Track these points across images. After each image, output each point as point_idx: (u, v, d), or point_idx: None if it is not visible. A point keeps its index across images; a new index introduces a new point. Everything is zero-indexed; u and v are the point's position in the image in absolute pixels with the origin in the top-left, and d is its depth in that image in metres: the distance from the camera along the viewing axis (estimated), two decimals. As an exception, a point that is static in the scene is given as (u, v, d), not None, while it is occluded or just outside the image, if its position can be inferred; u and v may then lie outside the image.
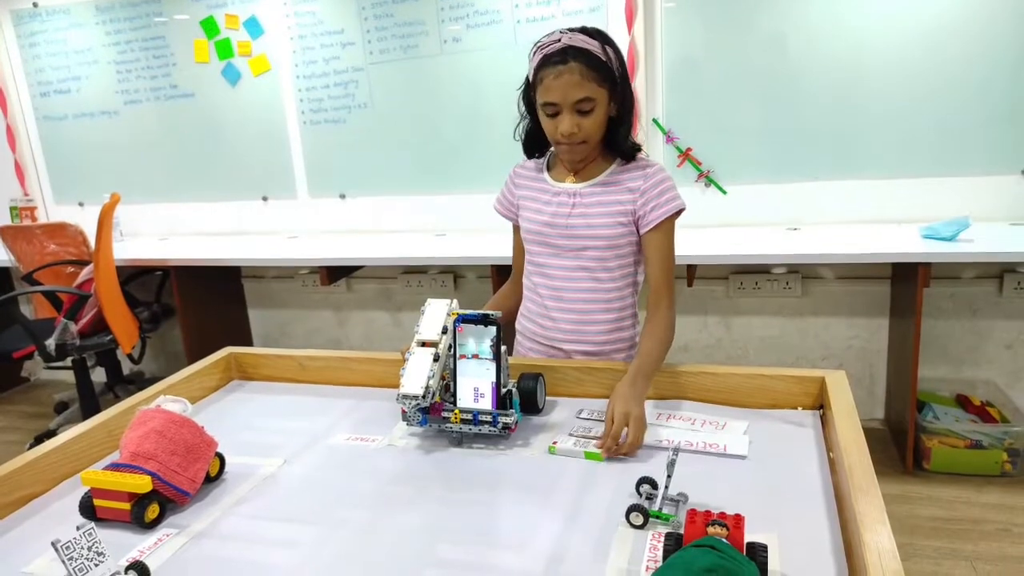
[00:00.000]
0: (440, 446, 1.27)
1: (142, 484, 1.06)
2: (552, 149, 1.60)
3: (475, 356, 1.25)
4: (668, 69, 2.92)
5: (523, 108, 1.55)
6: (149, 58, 3.59)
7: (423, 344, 1.29)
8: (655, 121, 2.98)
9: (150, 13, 3.52)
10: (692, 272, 2.75)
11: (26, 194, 3.97)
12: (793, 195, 2.91)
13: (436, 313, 1.32)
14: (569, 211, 1.54)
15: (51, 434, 3.31)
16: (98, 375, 3.73)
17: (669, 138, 2.97)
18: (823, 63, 2.76)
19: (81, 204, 3.92)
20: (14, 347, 2.97)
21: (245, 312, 3.82)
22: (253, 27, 3.39)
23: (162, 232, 3.84)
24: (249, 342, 3.82)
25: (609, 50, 1.42)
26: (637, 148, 1.54)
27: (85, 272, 3.03)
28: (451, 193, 3.29)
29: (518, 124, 1.58)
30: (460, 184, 3.22)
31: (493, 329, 1.24)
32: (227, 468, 1.22)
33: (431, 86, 3.23)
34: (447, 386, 1.30)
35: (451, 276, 3.41)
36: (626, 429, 1.20)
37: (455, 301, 1.34)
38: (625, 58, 1.49)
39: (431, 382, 1.23)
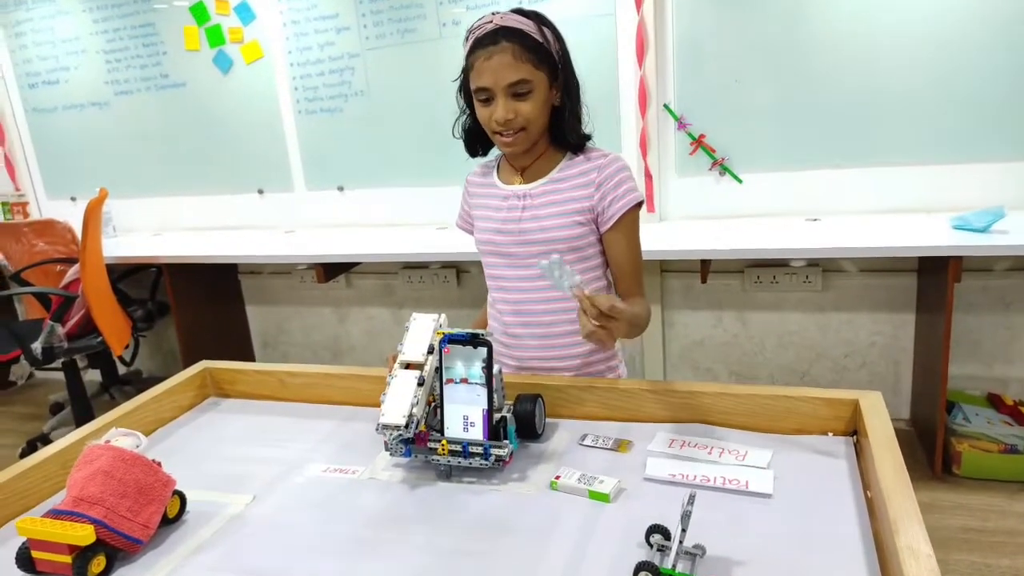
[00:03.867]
0: (427, 479, 1.14)
1: (84, 535, 0.93)
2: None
3: (464, 380, 1.12)
4: (679, 51, 2.75)
5: (461, 102, 1.43)
6: (138, 46, 3.45)
7: (407, 366, 1.16)
8: (666, 107, 2.81)
9: (138, 0, 3.38)
10: (706, 267, 2.60)
11: (17, 189, 3.86)
12: (813, 183, 2.74)
13: (421, 330, 1.19)
14: (520, 215, 1.41)
15: (45, 438, 3.21)
16: (95, 373, 3.64)
17: (681, 124, 2.81)
18: (844, 41, 2.58)
19: (73, 199, 3.81)
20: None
21: (243, 309, 3.71)
22: (244, 12, 3.24)
23: (156, 227, 3.72)
24: (247, 340, 3.71)
25: (547, 31, 1.31)
26: (586, 138, 1.42)
27: (72, 272, 2.91)
28: (453, 184, 3.11)
29: (456, 119, 1.45)
30: (462, 175, 3.02)
31: (483, 350, 1.11)
32: (189, 507, 1.10)
33: (430, 72, 3.08)
34: (435, 410, 1.16)
35: (454, 271, 3.28)
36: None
37: (443, 315, 1.21)
38: (565, 40, 1.36)
39: (415, 410, 1.10)
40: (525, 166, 1.43)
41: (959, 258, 2.26)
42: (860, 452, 1.11)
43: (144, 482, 1.03)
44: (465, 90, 1.40)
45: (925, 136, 2.59)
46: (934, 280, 2.50)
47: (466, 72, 1.35)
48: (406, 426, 1.08)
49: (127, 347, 3.13)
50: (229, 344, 3.59)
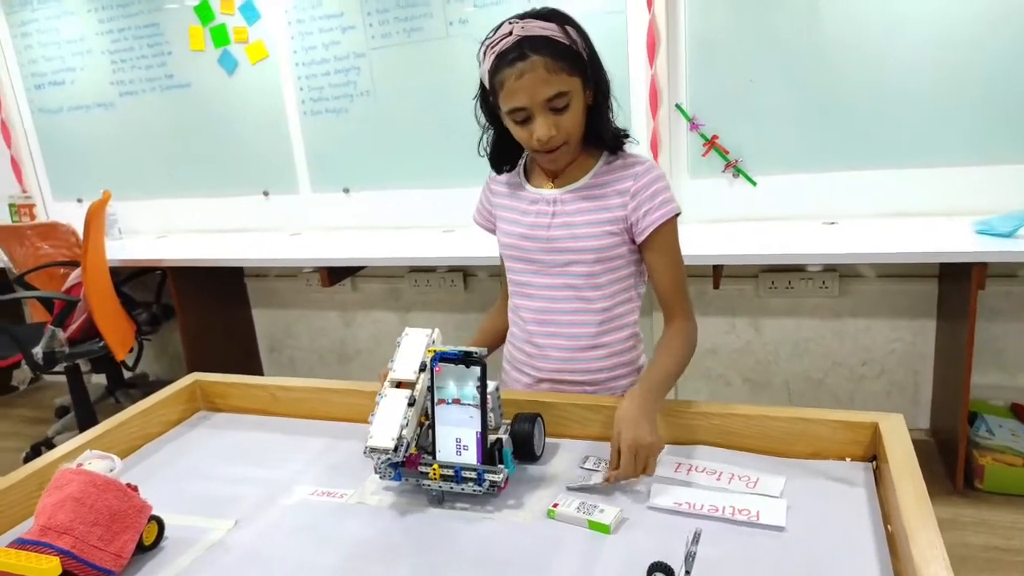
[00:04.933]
0: (418, 504, 1.08)
1: (49, 568, 0.87)
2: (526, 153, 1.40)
3: (456, 401, 1.06)
4: (692, 50, 2.67)
5: (483, 119, 1.33)
6: (143, 47, 3.41)
7: (398, 384, 1.10)
8: (678, 107, 2.74)
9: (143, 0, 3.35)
10: (719, 272, 2.52)
11: (24, 191, 3.84)
12: (830, 186, 2.65)
13: (414, 346, 1.13)
14: (549, 221, 1.33)
15: (49, 443, 3.19)
16: (103, 376, 3.60)
17: (693, 125, 2.73)
18: (862, 39, 2.49)
19: (80, 200, 3.77)
20: (1, 355, 2.83)
21: (249, 312, 3.66)
22: (249, 11, 3.20)
23: (162, 229, 3.69)
24: (254, 344, 3.66)
25: (571, 30, 1.21)
26: (624, 135, 1.33)
27: (73, 276, 2.88)
28: (461, 186, 3.08)
29: (481, 137, 1.37)
30: (470, 177, 2.93)
31: (477, 370, 1.04)
32: (167, 533, 1.04)
33: (437, 71, 3.01)
34: (427, 431, 1.10)
35: (461, 275, 3.22)
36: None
37: (436, 330, 1.15)
38: (589, 35, 1.26)
39: (405, 432, 1.04)
40: (558, 170, 1.36)
41: (983, 264, 2.17)
42: (879, 479, 1.04)
43: (117, 508, 0.97)
44: (486, 105, 1.31)
45: (948, 136, 2.50)
46: (956, 286, 2.42)
47: (489, 90, 1.26)
48: (395, 450, 1.03)
49: (131, 351, 3.10)
50: (234, 348, 3.55)
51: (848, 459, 1.10)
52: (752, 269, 2.81)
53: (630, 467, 1.05)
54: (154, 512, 1.03)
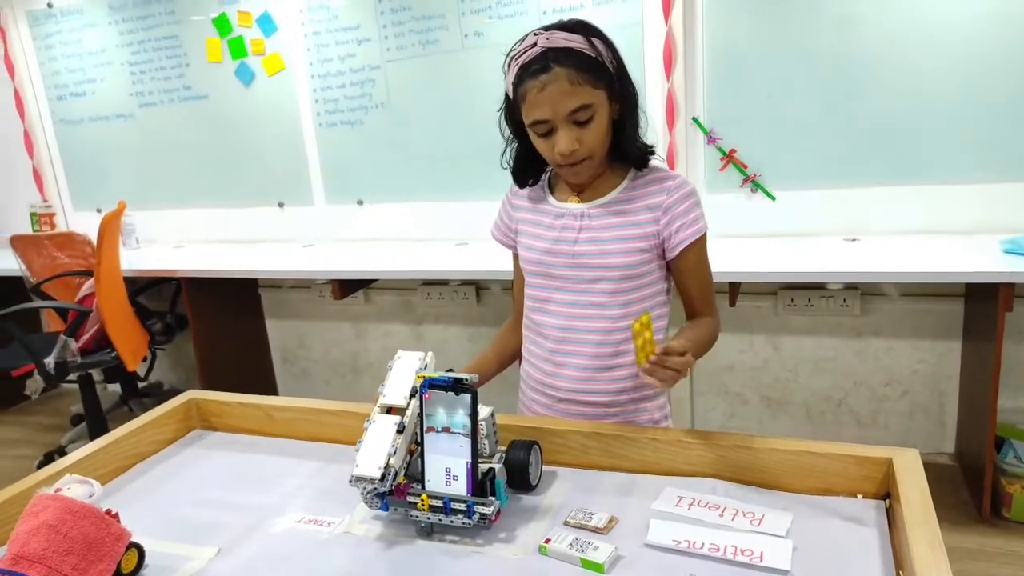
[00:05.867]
0: (406, 535, 1.04)
1: (18, 599, 0.85)
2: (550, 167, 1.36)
3: (446, 429, 1.01)
4: (710, 61, 2.62)
5: (507, 131, 1.30)
6: (163, 59, 3.43)
7: (388, 410, 1.06)
8: (695, 120, 2.68)
9: (162, 12, 3.37)
10: (735, 290, 2.46)
11: (45, 200, 3.88)
12: (851, 201, 2.58)
13: (405, 371, 1.09)
14: (576, 236, 1.30)
15: (62, 451, 3.20)
16: (117, 385, 3.62)
17: (711, 139, 2.68)
18: (885, 52, 2.43)
19: (99, 210, 3.80)
20: (14, 364, 2.84)
21: (263, 323, 3.66)
22: (266, 24, 3.20)
23: (179, 239, 3.70)
24: (267, 355, 3.65)
25: (597, 42, 1.19)
26: (649, 151, 1.29)
27: (86, 286, 2.89)
28: (474, 200, 3.05)
29: (504, 150, 1.33)
30: (484, 190, 2.96)
31: (467, 397, 1.00)
32: (148, 560, 1.01)
33: (452, 84, 2.99)
34: (418, 459, 1.06)
35: (473, 288, 3.18)
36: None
37: (430, 354, 1.11)
38: (616, 46, 1.24)
39: (392, 460, 1.00)
40: (582, 184, 1.32)
41: (1011, 285, 2.09)
42: (892, 519, 0.98)
43: (94, 536, 0.94)
44: (511, 117, 1.28)
45: (974, 152, 2.42)
46: (982, 307, 2.33)
47: (513, 101, 1.23)
48: (382, 479, 0.99)
49: (144, 360, 3.10)
50: (248, 359, 3.55)
51: (860, 496, 1.04)
52: (771, 286, 2.74)
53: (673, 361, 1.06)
54: (136, 538, 1.00)
